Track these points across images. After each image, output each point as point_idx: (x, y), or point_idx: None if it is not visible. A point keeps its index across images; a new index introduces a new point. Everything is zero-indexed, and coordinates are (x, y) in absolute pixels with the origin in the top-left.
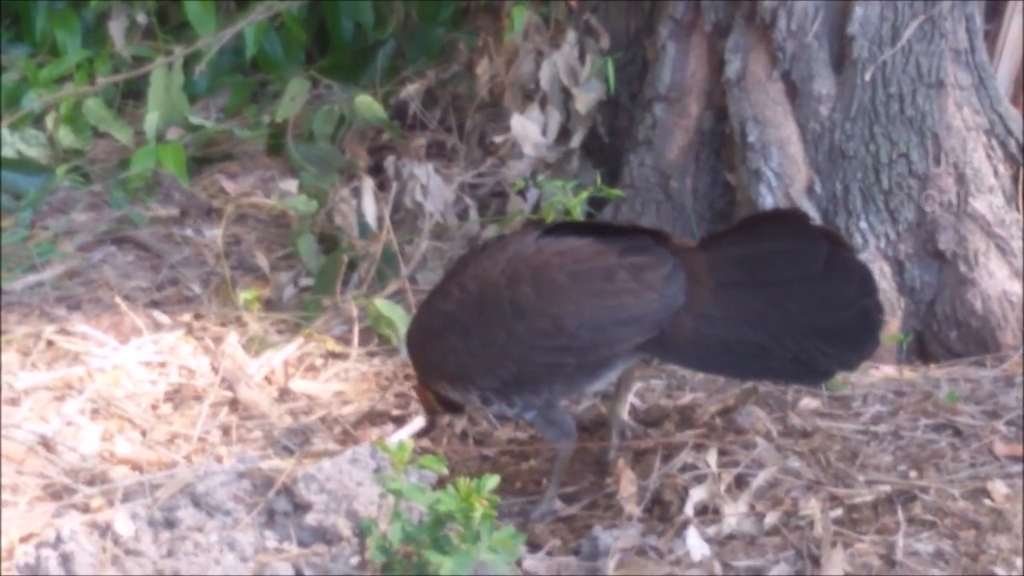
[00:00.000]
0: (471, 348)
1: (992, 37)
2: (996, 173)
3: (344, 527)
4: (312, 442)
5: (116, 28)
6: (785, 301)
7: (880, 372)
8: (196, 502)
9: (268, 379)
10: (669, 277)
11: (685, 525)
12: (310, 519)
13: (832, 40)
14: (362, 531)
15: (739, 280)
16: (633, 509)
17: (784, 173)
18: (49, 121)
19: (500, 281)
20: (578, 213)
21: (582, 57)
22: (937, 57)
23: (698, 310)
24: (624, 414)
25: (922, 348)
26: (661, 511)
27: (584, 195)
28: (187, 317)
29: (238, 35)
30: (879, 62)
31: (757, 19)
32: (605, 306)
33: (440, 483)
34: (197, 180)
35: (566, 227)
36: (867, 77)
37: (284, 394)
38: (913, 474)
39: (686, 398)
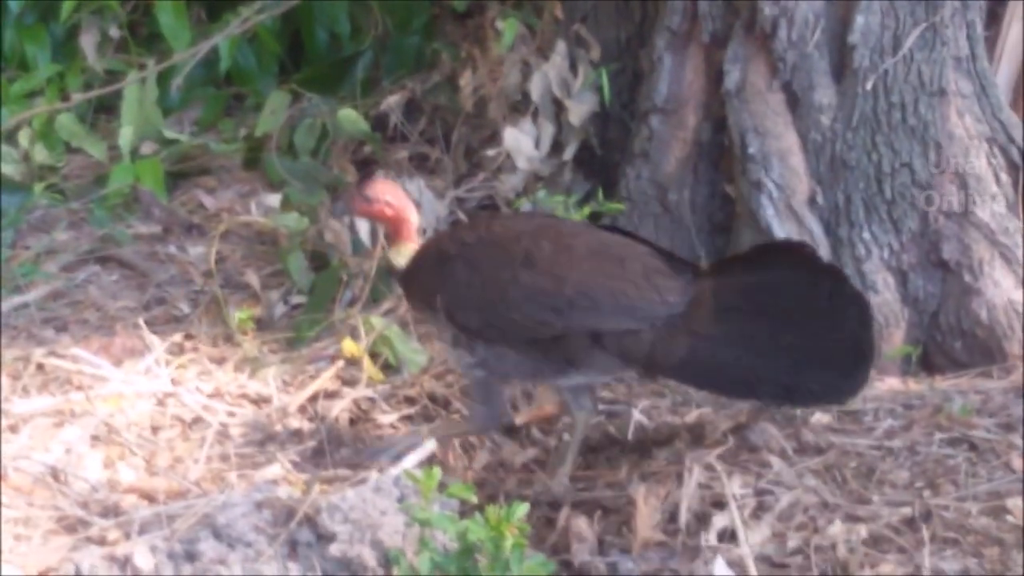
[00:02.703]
0: (472, 280)
1: (991, 43)
2: (998, 181)
3: (369, 557)
4: (321, 468)
5: (88, 42)
6: (783, 331)
7: (885, 384)
8: (217, 534)
9: (268, 400)
10: (676, 290)
11: (708, 550)
12: (334, 550)
13: (833, 49)
14: (388, 561)
15: (740, 307)
16: (651, 533)
17: (785, 184)
18: (22, 138)
19: (524, 233)
20: None
21: (573, 68)
22: (939, 65)
23: (697, 330)
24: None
25: (926, 359)
26: (680, 533)
27: (587, 211)
28: (178, 337)
29: (210, 47)
30: (880, 71)
31: (757, 29)
32: (607, 287)
33: (464, 511)
34: (175, 196)
35: (608, 228)
36: (868, 86)
37: (286, 416)
38: (927, 493)
39: (693, 414)
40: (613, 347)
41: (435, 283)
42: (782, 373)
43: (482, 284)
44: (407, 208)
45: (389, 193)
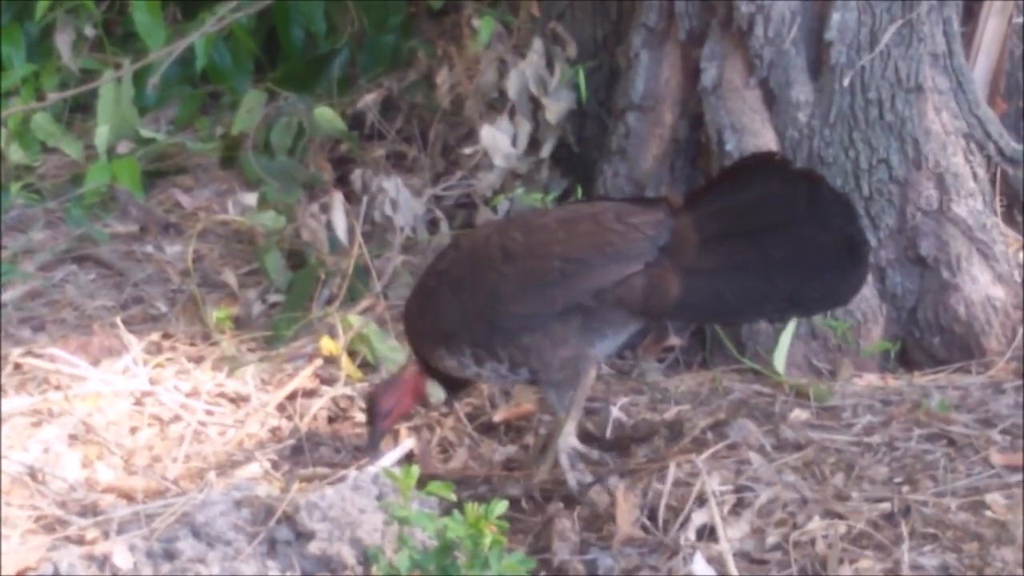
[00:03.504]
0: (462, 298)
1: (967, 39)
2: (975, 177)
3: (348, 555)
4: (299, 467)
5: (63, 41)
6: (771, 246)
7: (864, 381)
8: (195, 532)
9: (246, 399)
10: (654, 223)
11: (687, 546)
12: (313, 548)
13: (810, 46)
14: (367, 559)
15: (723, 233)
16: (630, 530)
17: None
18: None
19: (492, 233)
20: None
21: (550, 66)
22: (915, 61)
23: (686, 266)
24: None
25: (904, 355)
26: (659, 530)
27: None
28: (156, 336)
29: (186, 45)
30: (857, 67)
31: (733, 26)
32: (591, 244)
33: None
34: (152, 195)
35: None
36: (845, 83)
37: (264, 414)
38: (906, 488)
39: (672, 411)
40: (613, 301)
41: (432, 323)
42: (782, 287)
43: (472, 295)
44: (412, 388)
45: (393, 400)
